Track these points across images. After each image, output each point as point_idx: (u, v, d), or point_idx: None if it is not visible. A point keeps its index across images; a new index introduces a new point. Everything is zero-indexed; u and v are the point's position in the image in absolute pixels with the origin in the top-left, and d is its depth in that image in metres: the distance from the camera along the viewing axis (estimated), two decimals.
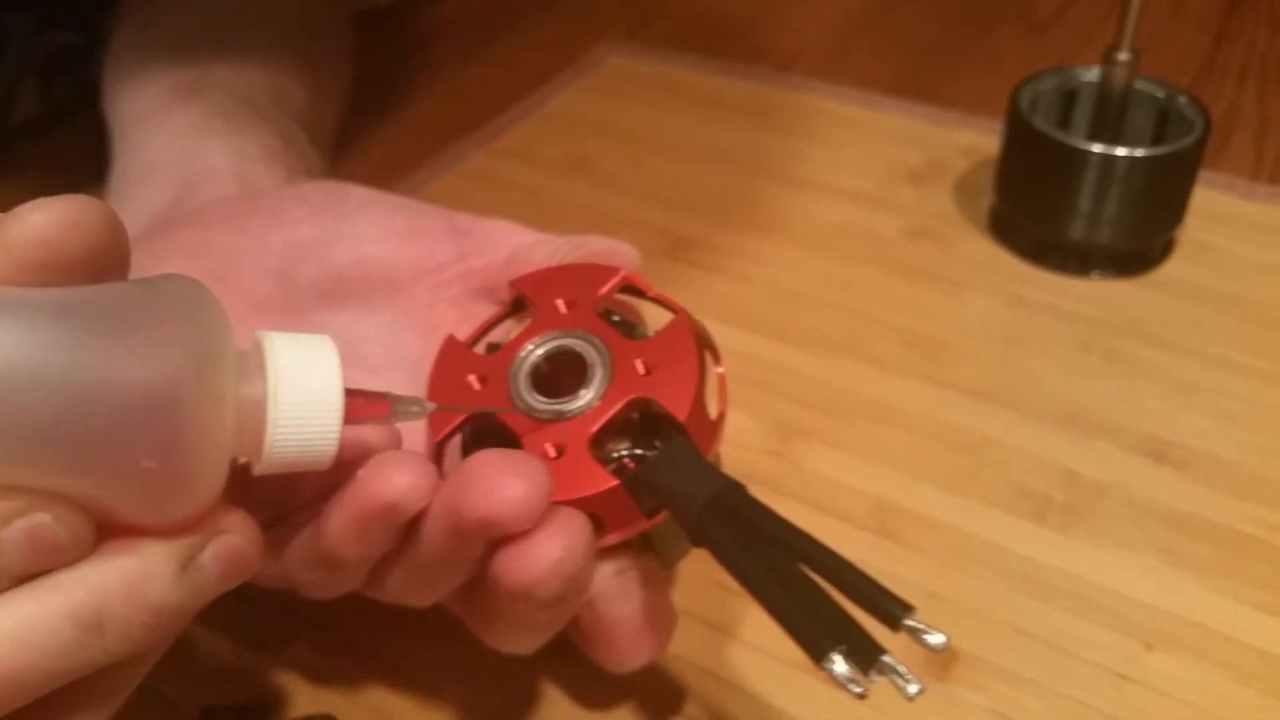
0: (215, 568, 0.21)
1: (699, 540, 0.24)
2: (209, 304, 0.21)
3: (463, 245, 0.31)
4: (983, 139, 0.52)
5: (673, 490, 0.25)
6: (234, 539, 0.22)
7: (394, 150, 0.54)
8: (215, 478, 0.21)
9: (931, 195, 0.49)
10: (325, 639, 0.33)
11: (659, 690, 0.31)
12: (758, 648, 0.32)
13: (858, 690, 0.21)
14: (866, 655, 0.22)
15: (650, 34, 0.64)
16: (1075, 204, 0.43)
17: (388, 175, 0.51)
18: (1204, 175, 0.45)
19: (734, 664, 0.32)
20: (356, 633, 0.33)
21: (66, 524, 0.20)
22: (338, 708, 0.31)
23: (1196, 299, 0.44)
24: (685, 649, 0.32)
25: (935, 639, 0.22)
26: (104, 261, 0.21)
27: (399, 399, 0.24)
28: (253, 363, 0.22)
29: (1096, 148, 0.42)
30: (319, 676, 0.32)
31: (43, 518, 0.19)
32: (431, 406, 0.24)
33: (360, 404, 0.23)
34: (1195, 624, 0.32)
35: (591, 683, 0.31)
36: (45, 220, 0.20)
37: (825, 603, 0.23)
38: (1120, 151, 0.42)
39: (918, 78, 0.58)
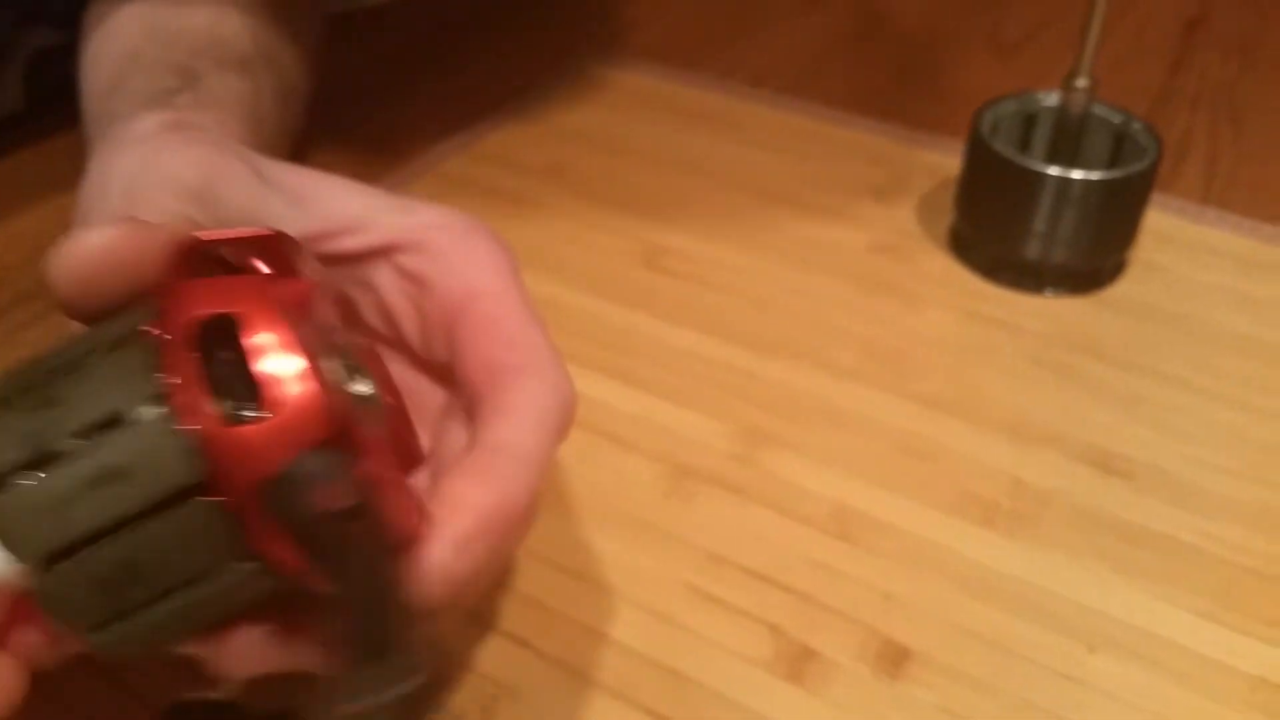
0: None
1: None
2: None
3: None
4: (945, 159, 0.54)
5: None
6: None
7: (373, 152, 0.55)
8: None
9: (894, 212, 0.51)
10: None
11: (618, 684, 0.32)
12: (716, 644, 0.33)
13: None
14: None
15: (630, 46, 0.65)
16: (1032, 224, 0.45)
17: (364, 177, 0.52)
18: (1156, 198, 0.47)
19: (690, 660, 0.33)
20: None
21: None
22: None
23: (1146, 317, 0.45)
24: (637, 641, 0.33)
25: None
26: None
27: None
28: None
29: (1053, 170, 0.44)
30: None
31: None
32: None
33: None
34: (1136, 628, 0.34)
35: None
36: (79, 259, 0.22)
37: None
38: (1076, 174, 0.44)
39: (886, 98, 0.60)
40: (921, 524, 0.37)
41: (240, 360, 0.19)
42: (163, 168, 0.29)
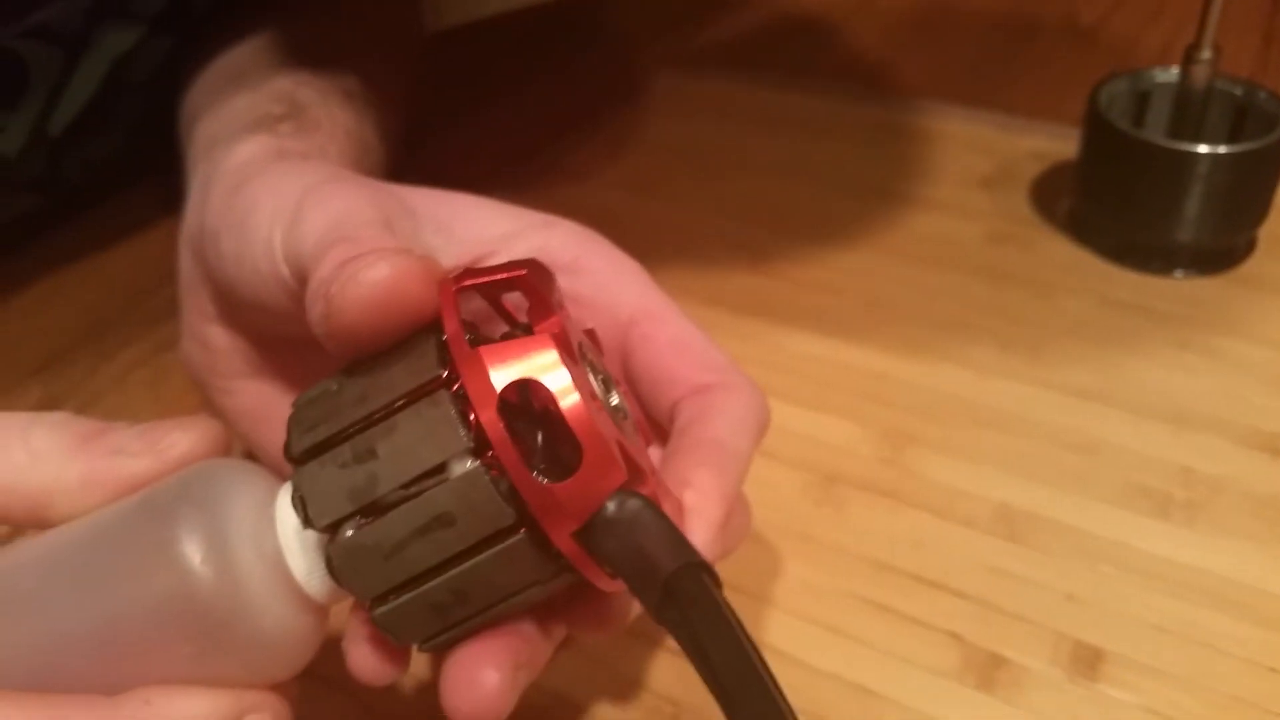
0: None
1: (661, 614, 0.21)
2: (223, 485, 0.23)
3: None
4: (1051, 143, 0.52)
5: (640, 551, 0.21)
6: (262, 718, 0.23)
7: (451, 175, 0.54)
8: (275, 637, 0.22)
9: (1006, 200, 0.50)
10: None
11: (804, 702, 0.31)
12: (898, 655, 0.32)
13: None
14: None
15: (693, 53, 0.64)
16: (1158, 203, 0.43)
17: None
18: None
19: (874, 674, 0.31)
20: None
21: None
22: None
23: None
24: (815, 657, 0.32)
25: None
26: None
27: None
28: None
29: (1180, 145, 0.42)
30: None
31: None
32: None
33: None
34: None
35: None
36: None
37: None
38: (1203, 149, 0.42)
39: (969, 87, 0.58)
40: (1091, 520, 0.35)
41: (535, 409, 0.22)
42: (339, 205, 0.27)
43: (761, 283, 0.46)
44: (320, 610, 0.23)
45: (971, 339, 0.42)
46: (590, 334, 0.27)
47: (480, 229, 0.29)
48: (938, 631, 0.32)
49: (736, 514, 0.27)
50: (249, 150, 0.34)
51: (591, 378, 0.24)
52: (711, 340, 0.29)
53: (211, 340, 0.32)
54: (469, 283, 0.23)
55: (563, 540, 0.21)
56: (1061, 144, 0.50)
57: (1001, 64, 0.61)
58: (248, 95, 0.39)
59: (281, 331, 0.31)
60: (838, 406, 0.40)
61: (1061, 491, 0.36)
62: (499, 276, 0.23)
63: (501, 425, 0.20)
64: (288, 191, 0.29)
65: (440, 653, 0.23)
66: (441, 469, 0.21)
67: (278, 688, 0.23)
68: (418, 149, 0.54)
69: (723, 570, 0.33)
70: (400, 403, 0.22)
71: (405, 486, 0.21)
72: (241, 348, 0.32)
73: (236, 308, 0.31)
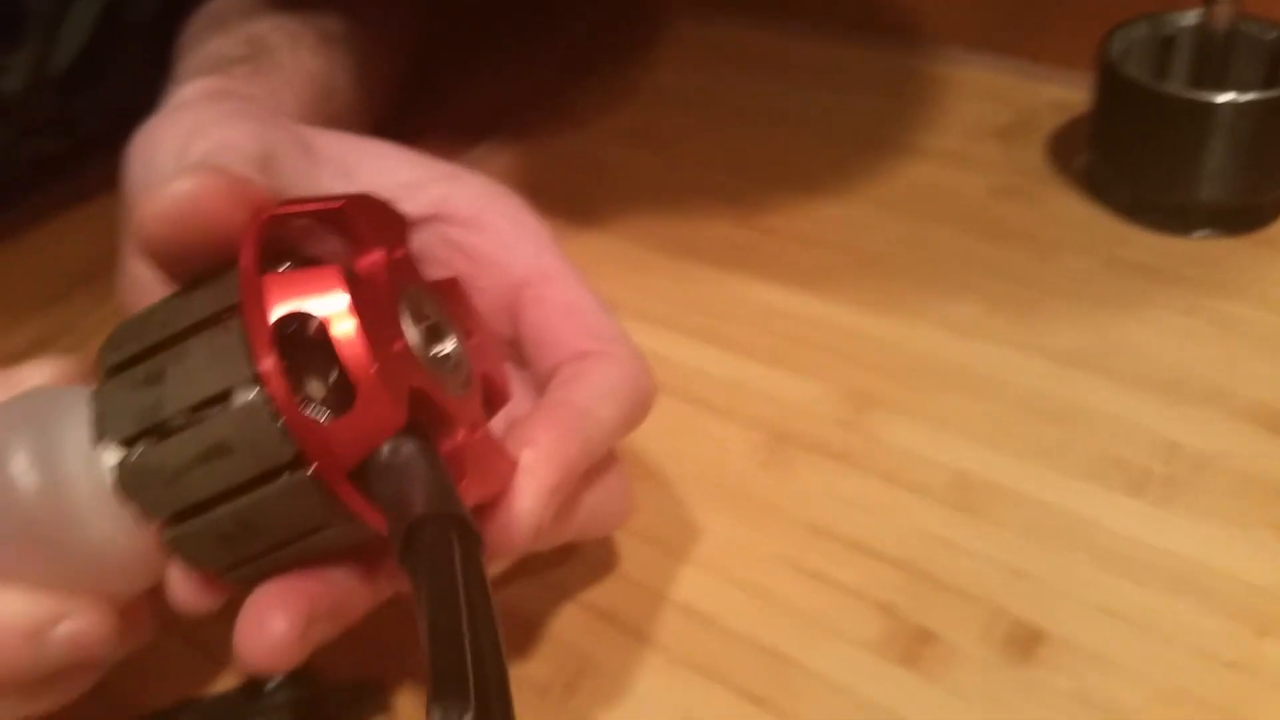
0: (61, 643, 0.23)
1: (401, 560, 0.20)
2: (57, 404, 0.23)
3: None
4: (1076, 93, 0.48)
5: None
6: (78, 624, 0.23)
7: (458, 122, 0.53)
8: (100, 548, 0.22)
9: (1020, 152, 0.46)
10: None
11: (712, 663, 0.29)
12: (820, 624, 0.30)
13: None
14: None
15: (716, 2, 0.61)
16: (1175, 158, 0.40)
17: (452, 147, 0.50)
18: None
19: (792, 641, 0.30)
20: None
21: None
22: None
23: None
24: (732, 618, 0.30)
25: None
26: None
27: None
28: None
29: (1197, 95, 0.39)
30: None
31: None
32: None
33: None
34: None
35: None
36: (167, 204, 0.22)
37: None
38: (1223, 98, 0.38)
39: (1001, 32, 0.55)
40: (1056, 493, 0.32)
41: (320, 346, 0.21)
42: (219, 136, 0.28)
43: (743, 234, 0.44)
44: (152, 531, 0.23)
45: (956, 297, 0.40)
46: (446, 283, 0.26)
47: (383, 176, 0.29)
48: (866, 601, 0.30)
49: (605, 488, 0.28)
50: (191, 91, 0.35)
51: (409, 323, 0.23)
52: (605, 308, 0.29)
53: (132, 276, 0.32)
54: (280, 211, 0.22)
55: (337, 481, 0.20)
56: (1087, 94, 0.47)
57: (1037, 8, 0.57)
58: (220, 39, 0.40)
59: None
60: (800, 363, 0.38)
61: (1027, 462, 0.33)
62: (312, 207, 0.23)
63: (273, 357, 0.20)
64: (186, 124, 0.29)
65: (245, 586, 0.22)
66: (225, 397, 0.21)
67: (127, 613, 0.23)
68: (431, 90, 0.53)
69: (641, 520, 0.32)
70: (195, 328, 0.21)
71: (191, 411, 0.21)
72: (159, 280, 0.32)
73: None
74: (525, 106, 0.53)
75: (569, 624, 0.30)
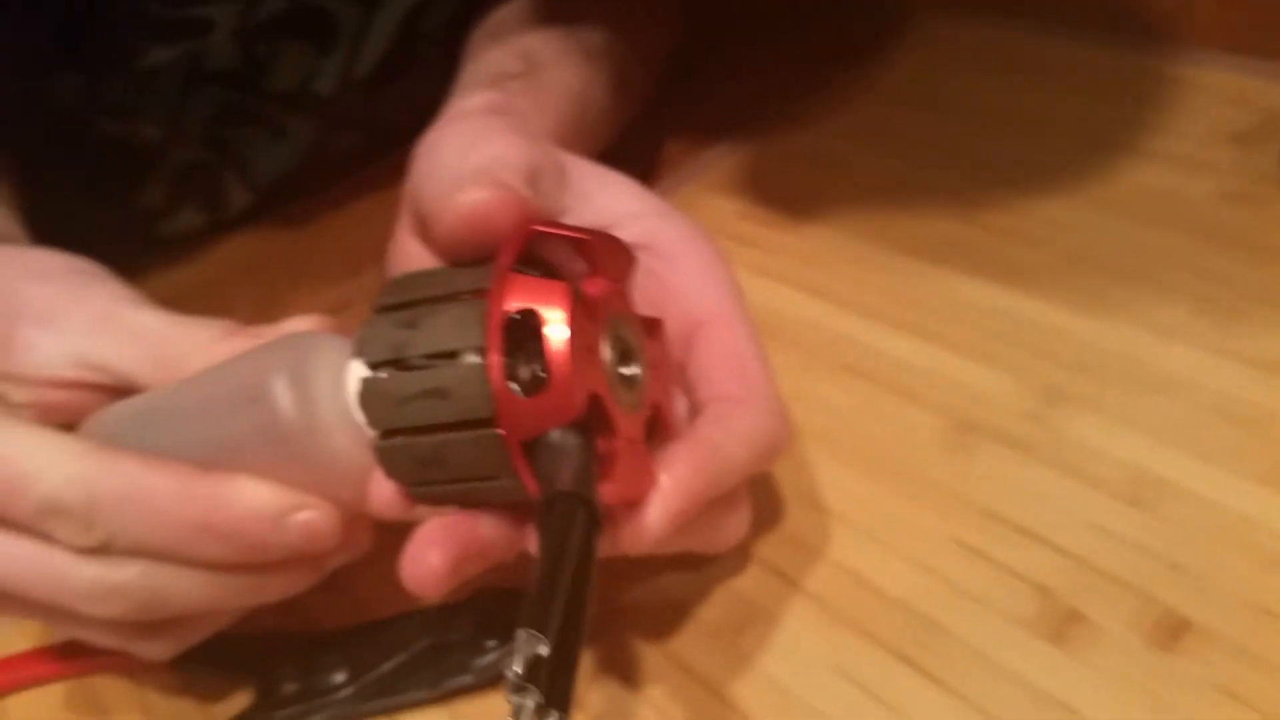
0: (298, 529, 0.29)
1: (536, 521, 0.25)
2: (314, 342, 0.29)
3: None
4: None
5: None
6: (312, 515, 0.29)
7: (697, 125, 0.57)
8: (338, 455, 0.28)
9: (1256, 158, 0.46)
10: None
11: (871, 624, 0.32)
12: (977, 598, 0.32)
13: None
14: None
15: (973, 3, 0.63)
16: None
17: (683, 153, 0.54)
18: None
19: (947, 611, 0.32)
20: None
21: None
22: None
23: None
24: (895, 587, 0.33)
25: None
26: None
27: None
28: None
29: None
30: None
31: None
32: None
33: None
34: None
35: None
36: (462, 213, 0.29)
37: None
38: None
39: (1255, 34, 0.53)
40: (1229, 494, 0.33)
41: (536, 339, 0.26)
42: (494, 150, 0.33)
43: (960, 230, 0.46)
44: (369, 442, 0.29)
45: (1163, 299, 0.40)
46: (651, 321, 0.32)
47: (613, 203, 0.35)
48: (1024, 581, 0.33)
49: (726, 515, 0.31)
50: (473, 101, 0.41)
51: (606, 343, 0.28)
52: (763, 358, 0.32)
53: (403, 248, 0.38)
54: (539, 229, 0.28)
55: (513, 446, 0.26)
56: None
57: None
58: (498, 51, 0.46)
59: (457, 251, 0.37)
60: (996, 356, 0.40)
61: (1205, 463, 0.34)
62: (566, 233, 0.29)
63: (498, 337, 0.26)
64: (467, 134, 0.35)
65: (422, 504, 0.29)
66: (456, 355, 0.26)
67: (347, 526, 0.30)
68: (665, 102, 0.58)
69: (820, 490, 0.36)
70: (450, 297, 0.27)
71: (427, 357, 0.27)
72: (426, 260, 0.38)
73: (423, 224, 0.37)
74: (765, 104, 0.57)
75: (743, 576, 0.35)
